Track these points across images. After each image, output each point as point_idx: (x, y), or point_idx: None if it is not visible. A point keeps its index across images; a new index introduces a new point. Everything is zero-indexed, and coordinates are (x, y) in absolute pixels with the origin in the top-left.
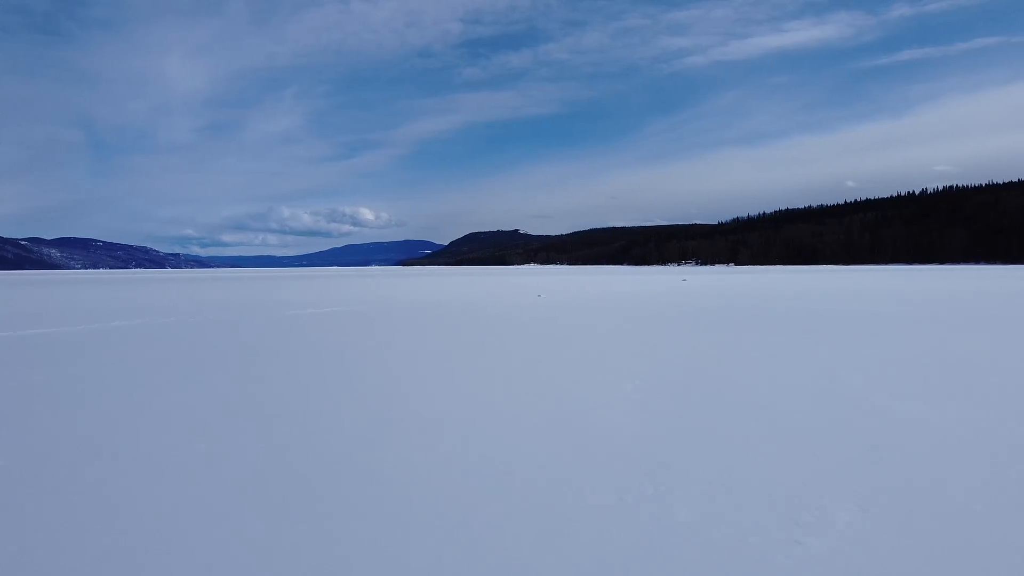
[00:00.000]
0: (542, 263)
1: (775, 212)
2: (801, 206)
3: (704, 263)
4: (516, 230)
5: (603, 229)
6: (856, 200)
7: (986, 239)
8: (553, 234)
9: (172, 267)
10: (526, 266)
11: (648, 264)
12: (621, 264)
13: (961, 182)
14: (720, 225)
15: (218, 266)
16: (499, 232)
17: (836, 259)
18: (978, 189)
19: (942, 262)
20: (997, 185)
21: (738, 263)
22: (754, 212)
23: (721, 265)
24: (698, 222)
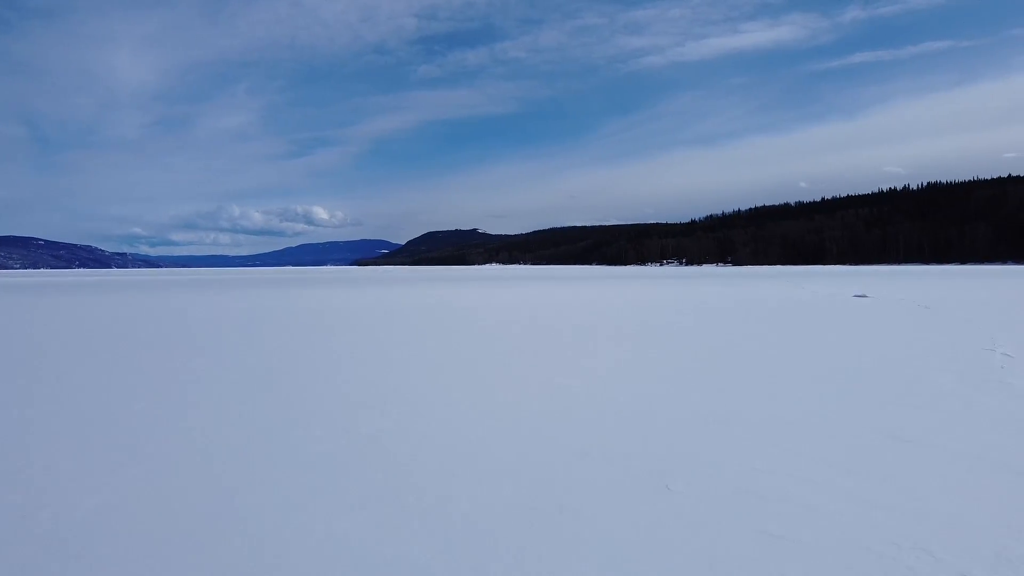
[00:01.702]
0: (504, 263)
1: (756, 208)
2: (777, 203)
3: (690, 263)
4: (475, 229)
5: (565, 228)
6: (851, 195)
7: (1010, 235)
8: (512, 233)
9: (119, 267)
10: (488, 266)
11: (625, 264)
12: (589, 264)
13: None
14: (696, 223)
15: (168, 266)
16: (457, 231)
17: (844, 258)
18: (986, 183)
19: (962, 261)
20: (1003, 179)
21: (737, 263)
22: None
23: (712, 265)
24: (654, 221)
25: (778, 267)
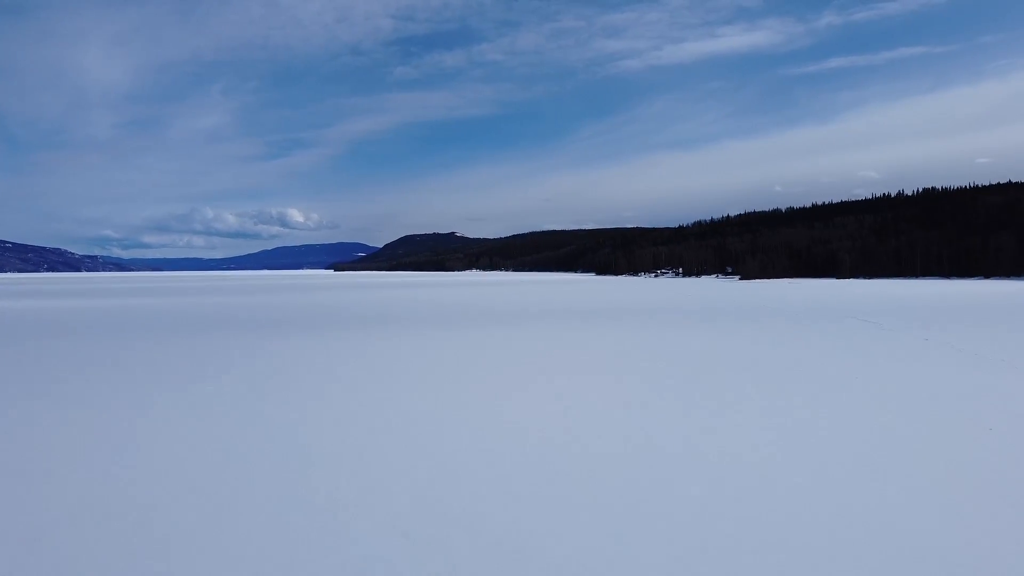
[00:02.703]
0: (484, 269)
1: (747, 214)
2: (765, 208)
3: (687, 273)
4: (452, 232)
5: (544, 232)
6: (847, 201)
7: None
8: (491, 237)
9: (89, 270)
10: (467, 273)
11: (616, 273)
12: (574, 271)
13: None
14: (685, 228)
15: (140, 269)
16: (435, 235)
17: (857, 270)
18: (991, 189)
19: (986, 275)
20: (1009, 184)
21: (746, 276)
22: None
23: (712, 276)
24: (632, 225)
25: (794, 282)
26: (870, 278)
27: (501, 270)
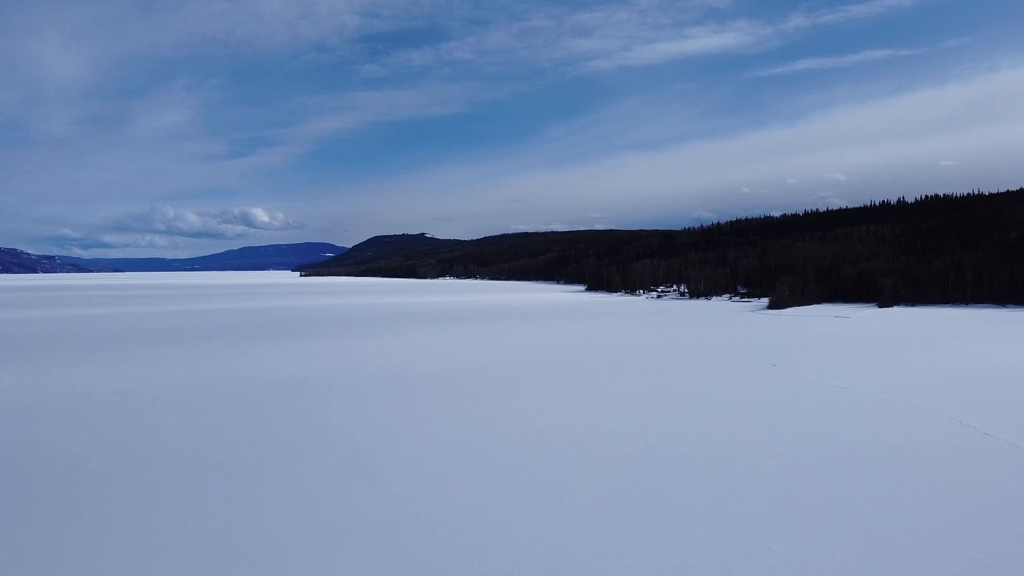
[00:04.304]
0: (459, 276)
1: (740, 221)
2: (759, 214)
3: (695, 294)
4: (422, 233)
5: (517, 235)
6: (850, 207)
7: None
8: (462, 238)
9: (46, 271)
10: (441, 280)
11: (609, 289)
12: (556, 281)
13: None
14: (673, 235)
15: (101, 269)
16: (405, 235)
17: (900, 296)
18: (1009, 196)
19: None
20: None
21: (778, 303)
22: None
23: (724, 297)
24: (601, 227)
25: (842, 315)
26: (912, 305)
27: (476, 278)
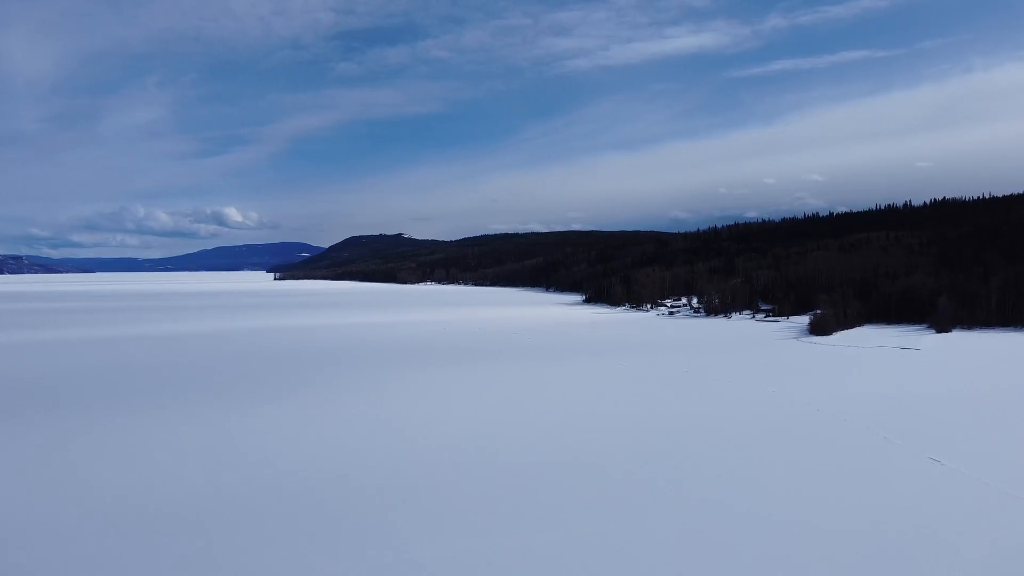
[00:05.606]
0: (440, 281)
1: (742, 225)
2: (755, 216)
3: (710, 310)
4: (400, 234)
5: (497, 236)
6: (865, 210)
7: None
8: (440, 239)
9: (12, 272)
10: (424, 287)
11: (612, 303)
12: (545, 288)
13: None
14: (668, 240)
15: (71, 270)
16: (382, 236)
17: (958, 319)
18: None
19: None
20: None
21: (821, 328)
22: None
23: (748, 316)
24: (578, 228)
25: (908, 348)
26: (970, 328)
27: (459, 283)
